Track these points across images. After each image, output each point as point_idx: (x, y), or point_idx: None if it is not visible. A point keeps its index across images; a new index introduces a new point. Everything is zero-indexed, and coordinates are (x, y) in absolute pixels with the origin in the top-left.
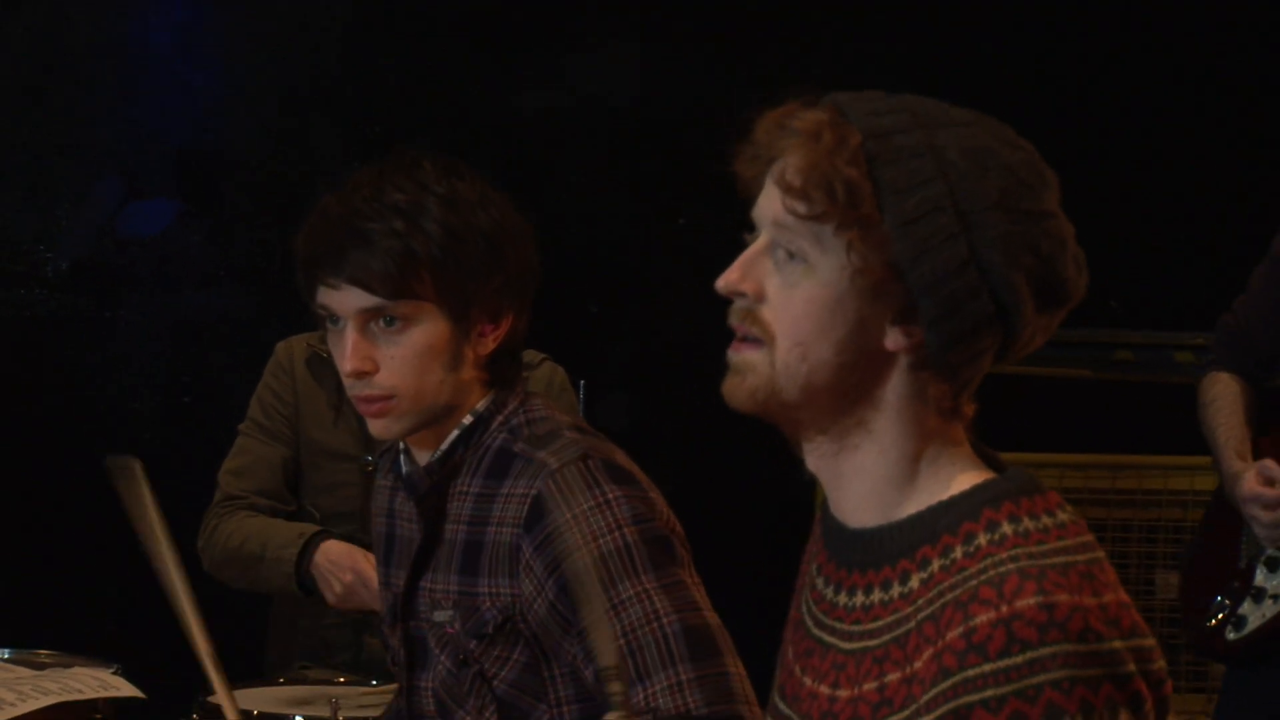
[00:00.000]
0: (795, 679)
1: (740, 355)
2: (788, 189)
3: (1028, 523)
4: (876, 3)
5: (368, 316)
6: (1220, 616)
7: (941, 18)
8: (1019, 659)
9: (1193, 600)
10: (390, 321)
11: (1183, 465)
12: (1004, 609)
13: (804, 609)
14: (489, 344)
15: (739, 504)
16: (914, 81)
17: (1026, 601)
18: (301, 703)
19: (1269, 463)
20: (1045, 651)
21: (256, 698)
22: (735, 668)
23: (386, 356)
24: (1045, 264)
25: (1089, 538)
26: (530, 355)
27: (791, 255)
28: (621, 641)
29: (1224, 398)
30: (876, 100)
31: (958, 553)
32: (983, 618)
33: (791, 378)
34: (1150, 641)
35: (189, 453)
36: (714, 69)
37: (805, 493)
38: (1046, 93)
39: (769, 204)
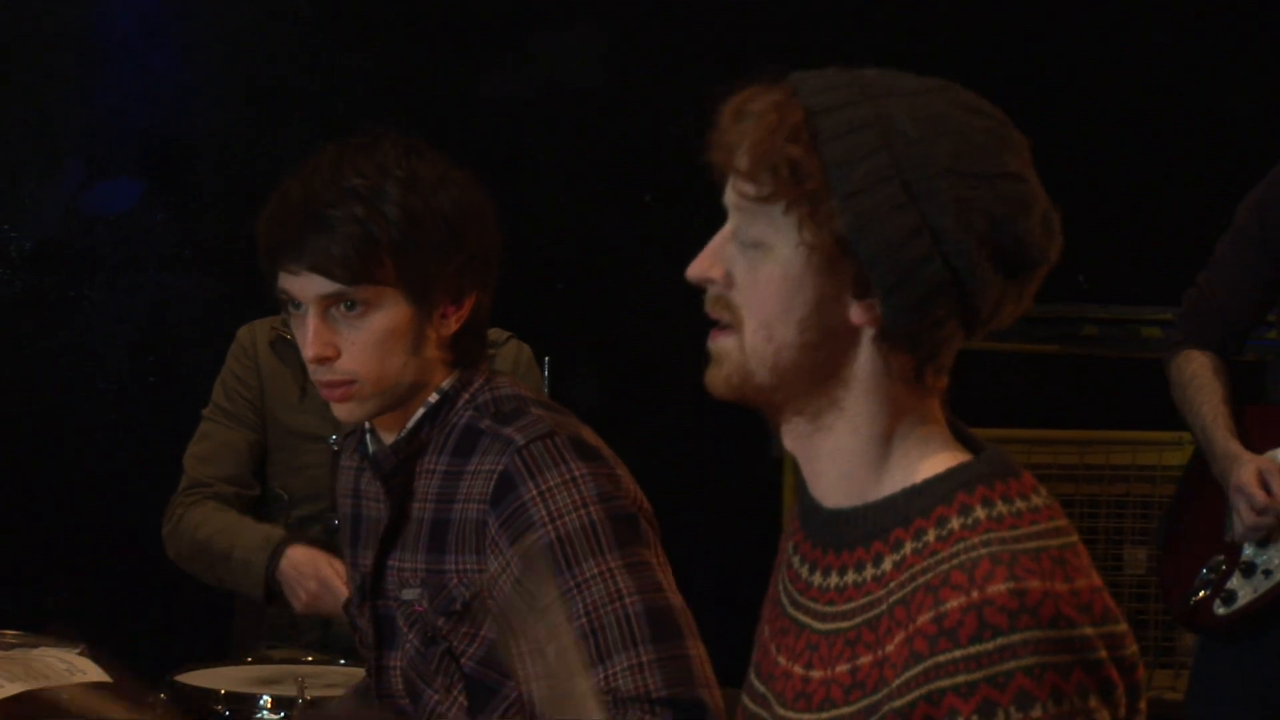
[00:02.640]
0: (770, 657)
1: (715, 344)
2: (738, 173)
3: (1001, 506)
4: None
5: (328, 302)
6: (1206, 591)
7: None
8: (989, 645)
9: (1173, 574)
10: (351, 306)
11: (1150, 440)
12: (975, 594)
13: (780, 587)
14: (452, 325)
15: (707, 482)
16: (878, 59)
17: (997, 587)
18: (268, 682)
19: (1272, 467)
20: (1016, 638)
21: (223, 677)
22: (697, 650)
23: (348, 341)
24: (1002, 227)
25: (1063, 522)
26: (496, 333)
27: (752, 239)
28: (583, 620)
29: (1201, 375)
30: (830, 76)
31: (930, 536)
32: (953, 603)
33: (760, 360)
34: (1122, 627)
35: (154, 434)
36: (678, 51)
37: (773, 471)
38: (1011, 68)
39: (729, 190)
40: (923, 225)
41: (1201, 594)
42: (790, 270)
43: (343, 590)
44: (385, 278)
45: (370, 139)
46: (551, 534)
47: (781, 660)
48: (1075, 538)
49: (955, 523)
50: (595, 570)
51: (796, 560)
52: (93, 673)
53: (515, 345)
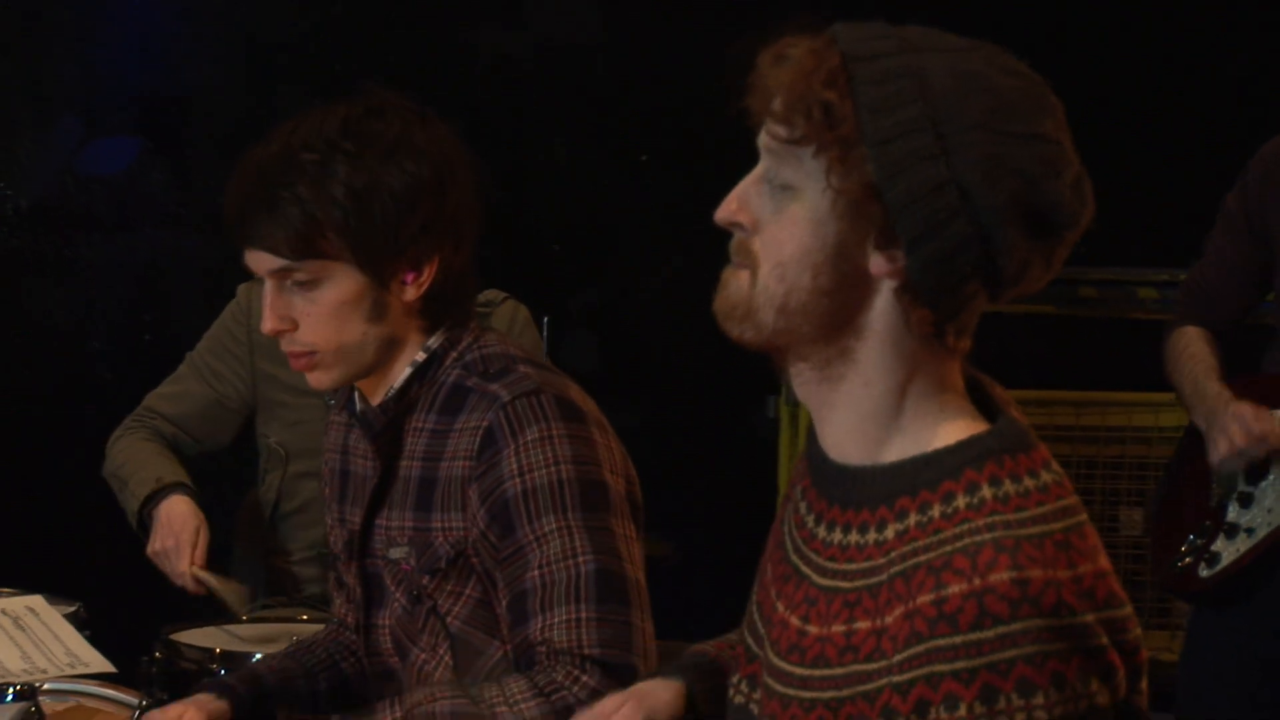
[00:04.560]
0: (770, 601)
1: (728, 272)
2: (771, 115)
3: (1008, 485)
4: None
5: (281, 276)
6: (1193, 555)
7: None
8: (990, 633)
9: (1163, 540)
10: (302, 280)
11: (1146, 402)
12: (977, 581)
13: (786, 529)
14: (412, 291)
15: (704, 440)
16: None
17: (1000, 575)
18: (265, 640)
19: (1266, 412)
20: (1017, 626)
21: (219, 637)
22: (641, 623)
23: (303, 314)
24: (1032, 187)
25: (1071, 500)
26: (492, 294)
27: (781, 181)
28: (536, 573)
29: (1195, 343)
30: (871, 28)
31: (935, 511)
32: (955, 588)
33: (769, 299)
34: (1125, 611)
35: (140, 392)
36: (674, 10)
37: (770, 430)
38: (1003, 30)
39: (762, 133)
40: (952, 179)
41: (1187, 558)
42: (815, 214)
43: (184, 563)
44: (332, 252)
45: (329, 109)
46: (519, 486)
47: (780, 607)
48: (1083, 516)
49: (961, 501)
50: (555, 525)
51: (804, 507)
52: (95, 663)
53: (511, 305)
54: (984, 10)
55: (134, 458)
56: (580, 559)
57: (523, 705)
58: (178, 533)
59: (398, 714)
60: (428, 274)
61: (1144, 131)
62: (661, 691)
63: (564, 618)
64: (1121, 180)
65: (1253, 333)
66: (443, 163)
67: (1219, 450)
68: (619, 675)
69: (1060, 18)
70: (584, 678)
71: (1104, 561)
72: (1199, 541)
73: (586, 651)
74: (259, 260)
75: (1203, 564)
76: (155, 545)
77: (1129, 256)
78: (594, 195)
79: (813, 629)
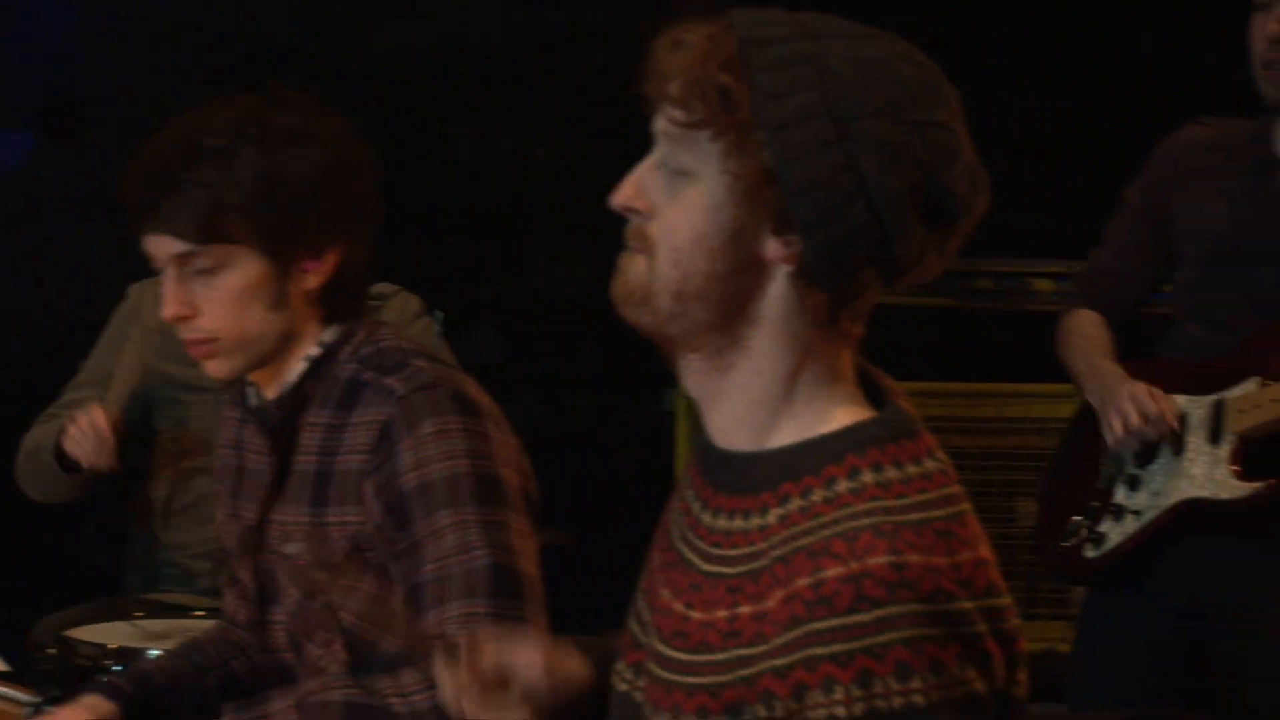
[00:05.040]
0: (656, 587)
1: (626, 257)
2: (668, 100)
3: (891, 472)
4: None
5: (182, 261)
6: (1078, 536)
7: None
8: (867, 616)
9: (1050, 521)
10: (205, 266)
11: (1043, 393)
12: (854, 565)
13: (674, 517)
14: (312, 280)
15: (602, 434)
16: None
17: (877, 560)
18: (158, 637)
19: (1160, 391)
20: (894, 610)
21: (112, 632)
22: (535, 617)
23: (204, 300)
24: (928, 174)
25: (953, 489)
26: (384, 287)
27: (678, 166)
28: (432, 567)
29: (1090, 325)
30: (769, 13)
31: (817, 496)
32: (832, 571)
33: (665, 284)
34: (1004, 600)
35: (54, 388)
36: (573, 4)
37: (667, 424)
38: (901, 22)
39: (659, 118)
40: (849, 164)
41: (1073, 539)
42: (712, 199)
43: (104, 446)
44: (236, 236)
45: (232, 98)
46: (415, 480)
47: (665, 593)
48: (965, 506)
49: (842, 485)
50: (450, 520)
51: (690, 494)
52: None
53: (403, 298)
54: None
55: (39, 434)
56: (475, 553)
57: (416, 697)
58: (92, 424)
59: (290, 704)
60: (329, 262)
61: (1041, 124)
62: (570, 654)
63: (459, 611)
64: (1017, 173)
65: (1148, 323)
66: (344, 153)
67: (1114, 430)
68: None
69: (959, 10)
70: None
71: (984, 550)
72: (1086, 522)
73: None
74: (160, 245)
75: (1089, 545)
76: (70, 431)
77: (1025, 249)
78: (493, 188)
79: (697, 615)
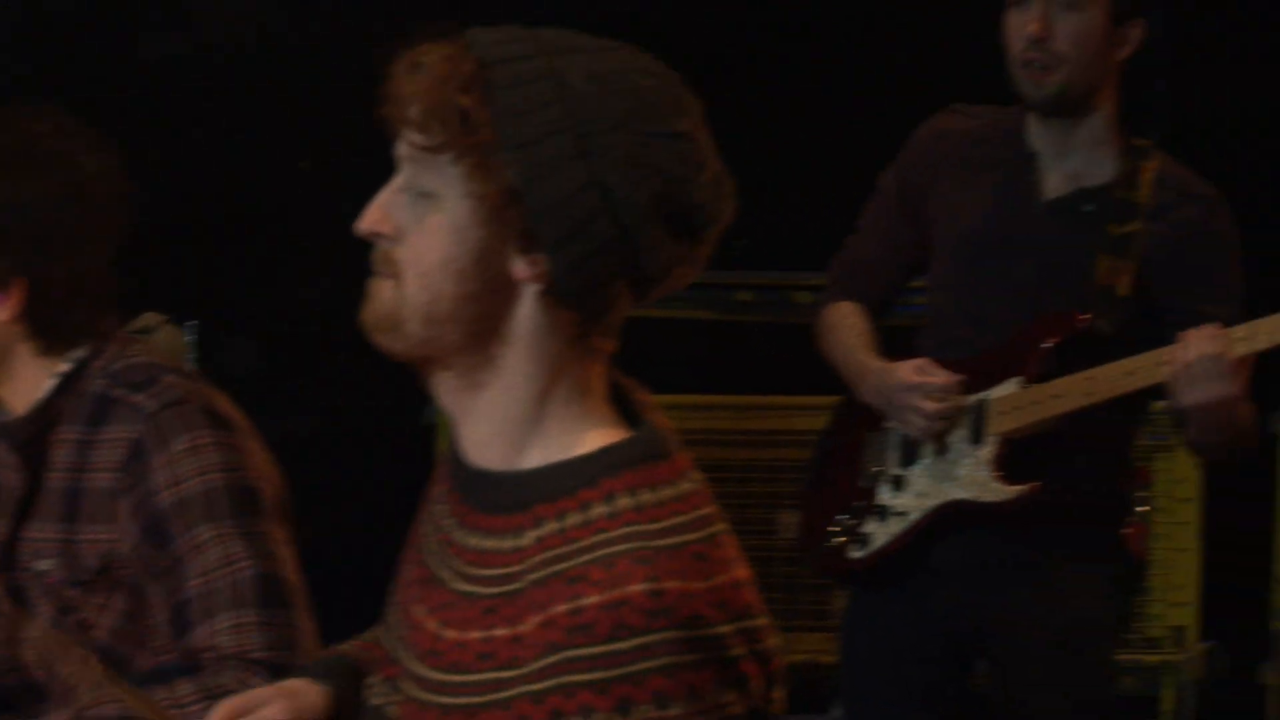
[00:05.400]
0: (409, 603)
1: (375, 284)
2: (409, 123)
3: (646, 495)
4: None
5: None
6: (842, 537)
7: None
8: (625, 644)
9: (813, 521)
10: None
11: (804, 405)
12: (613, 593)
13: (426, 532)
14: (2, 313)
15: (364, 447)
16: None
17: (635, 587)
18: None
19: (924, 361)
20: (652, 638)
21: None
22: (304, 624)
23: None
24: (673, 186)
25: (709, 510)
26: (150, 319)
27: (421, 190)
28: (197, 582)
29: (850, 317)
30: (506, 31)
31: (572, 519)
32: (591, 599)
33: (415, 308)
34: (761, 621)
35: None
36: (335, 17)
37: (427, 435)
38: (661, 36)
39: (401, 142)
40: (593, 180)
41: (837, 540)
42: (457, 221)
43: None
44: None
45: None
46: (171, 497)
47: (419, 611)
48: (721, 526)
49: (598, 510)
50: (211, 534)
51: (444, 510)
52: None
53: (153, 317)
54: (624, 14)
55: None
56: (240, 565)
57: (191, 708)
58: None
59: (66, 718)
60: (16, 295)
61: (799, 136)
62: (310, 691)
63: (228, 623)
64: (776, 185)
65: (896, 334)
66: (52, 181)
67: (916, 427)
68: (286, 677)
69: (711, 22)
70: (252, 680)
71: (741, 571)
72: (850, 522)
73: (253, 655)
74: None
75: (854, 545)
76: None
77: (785, 261)
78: (256, 201)
79: (451, 634)
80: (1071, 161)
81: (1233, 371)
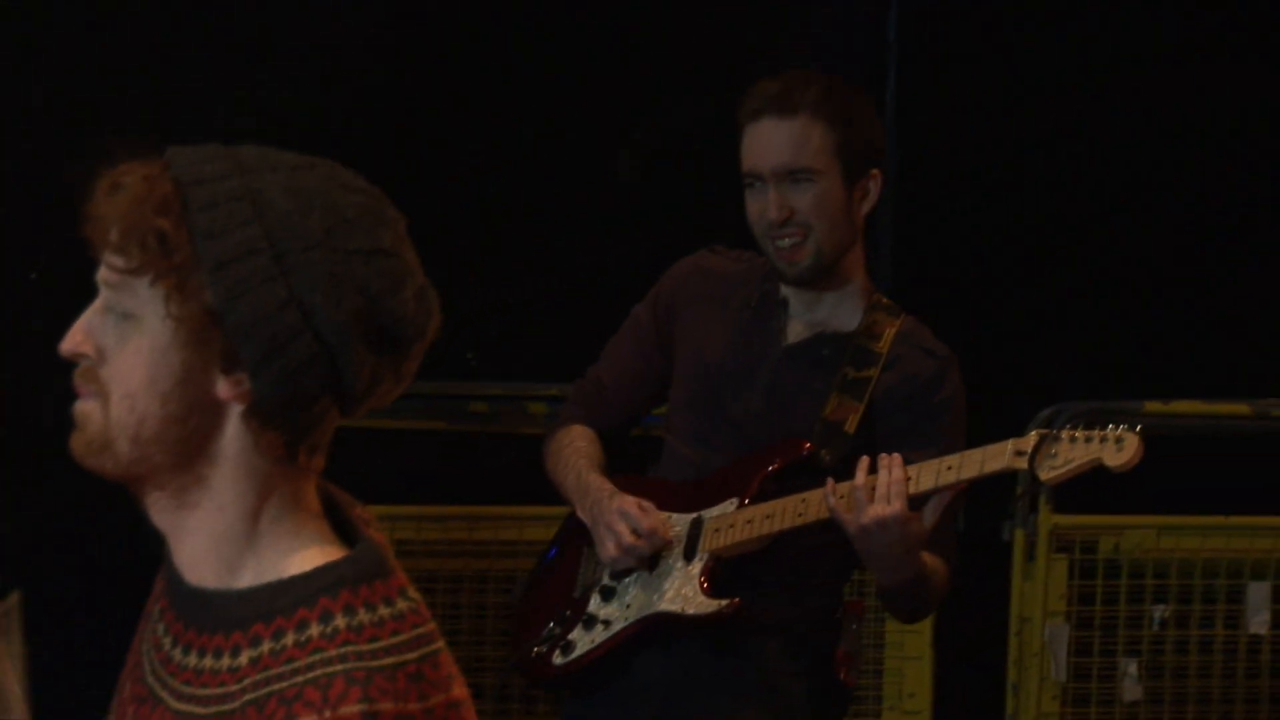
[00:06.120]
0: (126, 719)
1: (80, 408)
2: (108, 246)
3: (363, 615)
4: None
5: None
6: (549, 642)
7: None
8: None
9: (524, 626)
10: None
11: (538, 515)
12: (328, 714)
13: (144, 650)
14: None
15: (85, 545)
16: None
17: (350, 708)
18: None
19: (647, 501)
20: None
21: None
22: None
23: None
24: (375, 302)
25: (427, 628)
26: None
27: (123, 311)
28: None
29: (581, 439)
30: (203, 150)
31: (289, 639)
32: (307, 719)
33: (123, 430)
34: None
35: None
36: (59, 125)
37: (155, 542)
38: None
39: (102, 264)
40: (293, 299)
41: (543, 646)
42: (157, 342)
43: None
44: None
45: None
46: None
47: None
48: (438, 645)
49: (315, 629)
50: None
51: (161, 628)
52: None
53: None
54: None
55: None
56: None
57: None
58: None
59: None
60: None
61: (532, 249)
62: None
63: None
64: (510, 298)
65: (641, 443)
66: None
67: (608, 550)
68: None
69: (439, 140)
70: None
71: (458, 690)
72: (557, 629)
73: None
74: None
75: (558, 652)
76: None
77: (519, 372)
78: None
79: None
80: (818, 312)
81: (899, 497)
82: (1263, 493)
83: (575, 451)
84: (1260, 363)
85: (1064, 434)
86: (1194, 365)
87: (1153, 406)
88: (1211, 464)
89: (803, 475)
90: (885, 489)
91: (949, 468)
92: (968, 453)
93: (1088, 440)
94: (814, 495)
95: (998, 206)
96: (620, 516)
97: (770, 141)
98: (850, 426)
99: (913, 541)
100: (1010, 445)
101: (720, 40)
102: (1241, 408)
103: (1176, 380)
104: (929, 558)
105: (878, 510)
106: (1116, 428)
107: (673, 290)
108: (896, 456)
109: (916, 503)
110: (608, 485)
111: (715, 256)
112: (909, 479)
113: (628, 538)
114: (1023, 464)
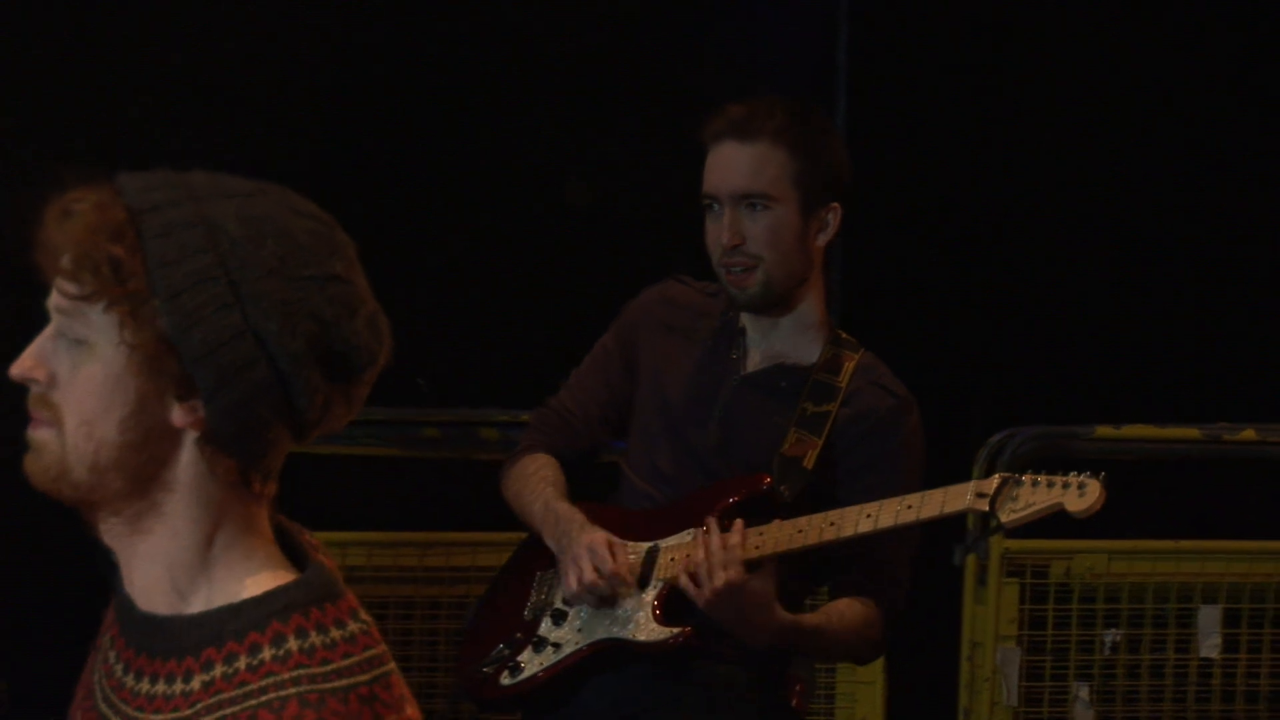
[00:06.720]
0: None
1: (35, 434)
2: (60, 273)
3: (315, 638)
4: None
5: None
6: (498, 663)
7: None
8: None
9: (473, 646)
10: None
11: (491, 541)
12: None
13: (96, 677)
14: None
15: (55, 578)
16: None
17: None
18: None
19: (617, 539)
20: None
21: None
22: None
23: None
24: (328, 329)
25: (378, 650)
26: None
27: (75, 338)
28: None
29: (547, 467)
30: (156, 176)
31: (241, 663)
32: None
33: (80, 457)
34: None
35: None
36: (6, 150)
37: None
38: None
39: (54, 291)
40: (248, 327)
41: (491, 667)
42: (111, 369)
43: None
44: None
45: None
46: None
47: None
48: (390, 666)
49: (267, 653)
50: None
51: (113, 656)
52: None
53: None
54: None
55: None
56: None
57: None
58: None
59: None
60: None
61: (486, 275)
62: None
63: None
64: (462, 324)
65: (600, 470)
66: None
67: (571, 585)
68: None
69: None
70: None
71: (411, 711)
72: (506, 651)
73: None
74: None
75: (506, 673)
76: None
77: (471, 398)
78: None
79: None
80: (776, 344)
81: (734, 564)
82: (1213, 517)
83: (542, 480)
84: (1210, 387)
85: (1025, 478)
86: (1144, 390)
87: (1103, 431)
88: (1162, 488)
89: (761, 509)
90: (720, 556)
91: (909, 507)
92: (928, 493)
93: (1050, 485)
94: (770, 529)
95: (947, 231)
96: (588, 553)
97: (729, 165)
98: (809, 462)
99: (757, 600)
100: (972, 487)
101: (668, 65)
102: (1192, 432)
103: (1127, 405)
104: (836, 608)
105: (717, 580)
106: (1079, 474)
107: (637, 318)
108: (738, 521)
109: (752, 565)
110: (579, 516)
111: (680, 286)
112: (741, 544)
113: (589, 575)
114: (984, 506)
